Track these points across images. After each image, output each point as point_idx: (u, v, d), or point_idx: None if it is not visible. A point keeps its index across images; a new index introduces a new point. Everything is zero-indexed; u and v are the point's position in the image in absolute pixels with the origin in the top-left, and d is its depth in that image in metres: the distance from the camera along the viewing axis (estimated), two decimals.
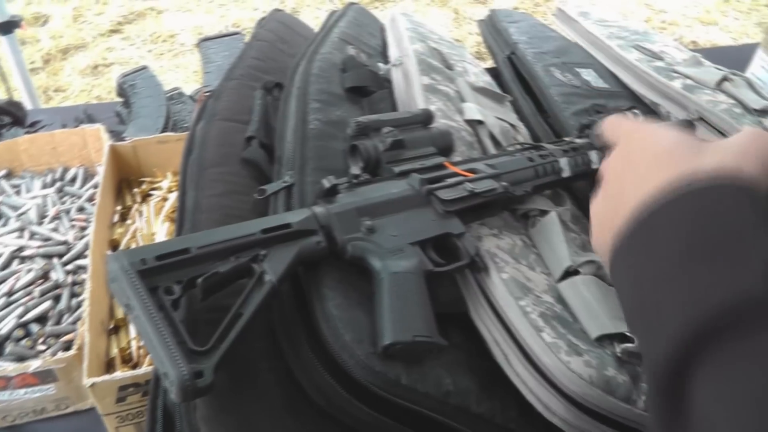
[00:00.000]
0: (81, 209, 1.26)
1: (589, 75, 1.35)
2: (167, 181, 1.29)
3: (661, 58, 1.36)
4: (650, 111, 1.28)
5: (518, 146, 0.98)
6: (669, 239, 0.44)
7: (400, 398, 0.68)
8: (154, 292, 0.63)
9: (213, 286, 0.66)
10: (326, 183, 0.78)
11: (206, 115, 1.03)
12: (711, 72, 1.28)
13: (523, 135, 1.14)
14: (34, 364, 0.91)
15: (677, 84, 1.24)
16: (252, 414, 0.67)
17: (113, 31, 3.61)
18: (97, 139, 1.34)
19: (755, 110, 1.19)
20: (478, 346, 0.78)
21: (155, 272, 0.64)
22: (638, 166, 0.53)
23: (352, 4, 1.51)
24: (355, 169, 0.86)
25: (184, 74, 3.22)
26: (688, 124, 1.15)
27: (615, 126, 0.67)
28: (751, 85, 1.26)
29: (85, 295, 0.98)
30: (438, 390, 0.70)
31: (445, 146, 0.92)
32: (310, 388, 0.69)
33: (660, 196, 0.46)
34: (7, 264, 1.13)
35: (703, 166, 0.47)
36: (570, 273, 0.84)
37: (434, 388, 0.70)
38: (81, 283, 1.11)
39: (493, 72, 1.42)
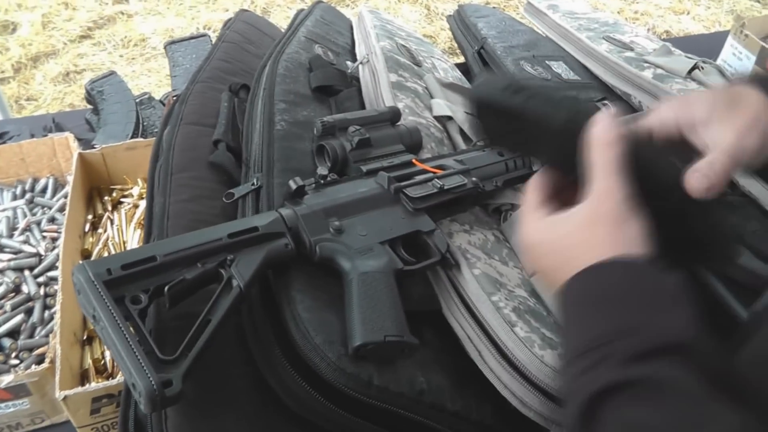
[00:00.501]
0: (52, 220, 1.24)
1: (559, 67, 1.35)
2: (138, 188, 1.27)
3: (631, 49, 1.36)
4: (622, 101, 1.28)
5: (488, 141, 0.98)
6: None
7: (373, 399, 0.68)
8: (121, 302, 0.62)
9: (180, 293, 0.66)
10: (293, 184, 0.77)
11: (172, 120, 1.02)
12: (682, 61, 1.29)
13: None
14: (5, 380, 0.89)
15: (648, 74, 1.25)
16: (224, 421, 0.66)
17: (83, 37, 3.56)
18: (66, 147, 1.33)
19: None
20: (452, 344, 0.78)
21: (121, 282, 0.64)
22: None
23: (319, 2, 1.50)
24: (323, 169, 0.85)
25: (157, 78, 3.18)
26: None
27: None
28: (721, 73, 1.27)
29: (57, 306, 0.97)
30: (411, 389, 0.70)
31: (413, 143, 0.92)
32: (282, 392, 0.68)
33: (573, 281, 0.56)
34: None
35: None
36: None
37: (408, 387, 0.70)
38: (53, 295, 1.09)
39: (464, 68, 1.42)
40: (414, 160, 0.87)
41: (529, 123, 0.65)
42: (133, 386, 0.58)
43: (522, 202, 0.66)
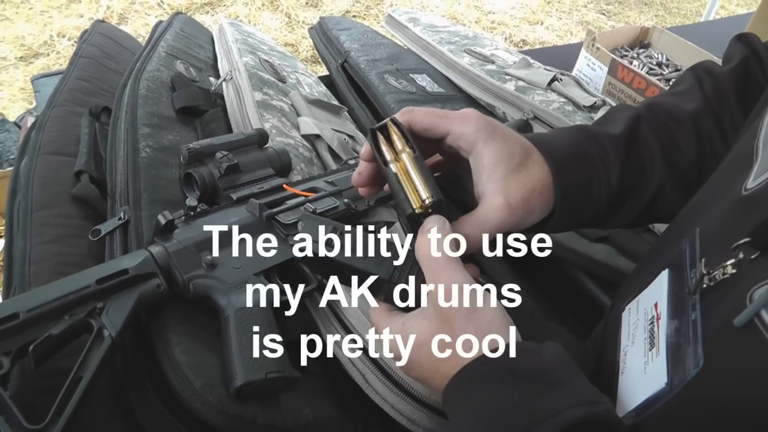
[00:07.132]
0: None
1: (423, 80, 1.37)
2: None
3: (492, 62, 1.40)
4: (487, 112, 1.31)
5: (358, 159, 0.98)
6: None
7: None
8: None
9: (47, 351, 0.61)
10: (162, 219, 0.74)
11: (29, 150, 0.95)
12: (541, 73, 1.34)
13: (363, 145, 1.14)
14: None
15: (510, 86, 1.29)
16: None
17: None
18: None
19: (585, 107, 1.25)
20: (335, 369, 0.77)
21: None
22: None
23: (178, 14, 1.46)
24: (192, 200, 0.82)
25: (9, 92, 2.98)
26: (525, 123, 1.20)
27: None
28: (579, 84, 1.32)
29: None
30: (297, 423, 0.69)
31: (282, 166, 0.91)
32: None
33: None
34: None
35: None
36: None
37: (293, 421, 0.68)
38: None
39: (327, 80, 1.41)
40: (285, 185, 0.86)
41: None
42: None
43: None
